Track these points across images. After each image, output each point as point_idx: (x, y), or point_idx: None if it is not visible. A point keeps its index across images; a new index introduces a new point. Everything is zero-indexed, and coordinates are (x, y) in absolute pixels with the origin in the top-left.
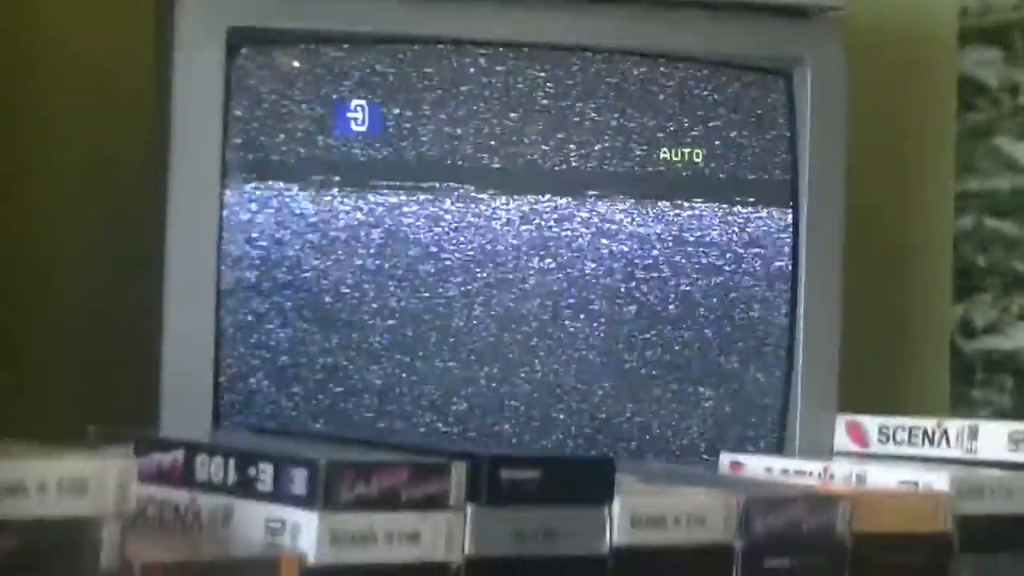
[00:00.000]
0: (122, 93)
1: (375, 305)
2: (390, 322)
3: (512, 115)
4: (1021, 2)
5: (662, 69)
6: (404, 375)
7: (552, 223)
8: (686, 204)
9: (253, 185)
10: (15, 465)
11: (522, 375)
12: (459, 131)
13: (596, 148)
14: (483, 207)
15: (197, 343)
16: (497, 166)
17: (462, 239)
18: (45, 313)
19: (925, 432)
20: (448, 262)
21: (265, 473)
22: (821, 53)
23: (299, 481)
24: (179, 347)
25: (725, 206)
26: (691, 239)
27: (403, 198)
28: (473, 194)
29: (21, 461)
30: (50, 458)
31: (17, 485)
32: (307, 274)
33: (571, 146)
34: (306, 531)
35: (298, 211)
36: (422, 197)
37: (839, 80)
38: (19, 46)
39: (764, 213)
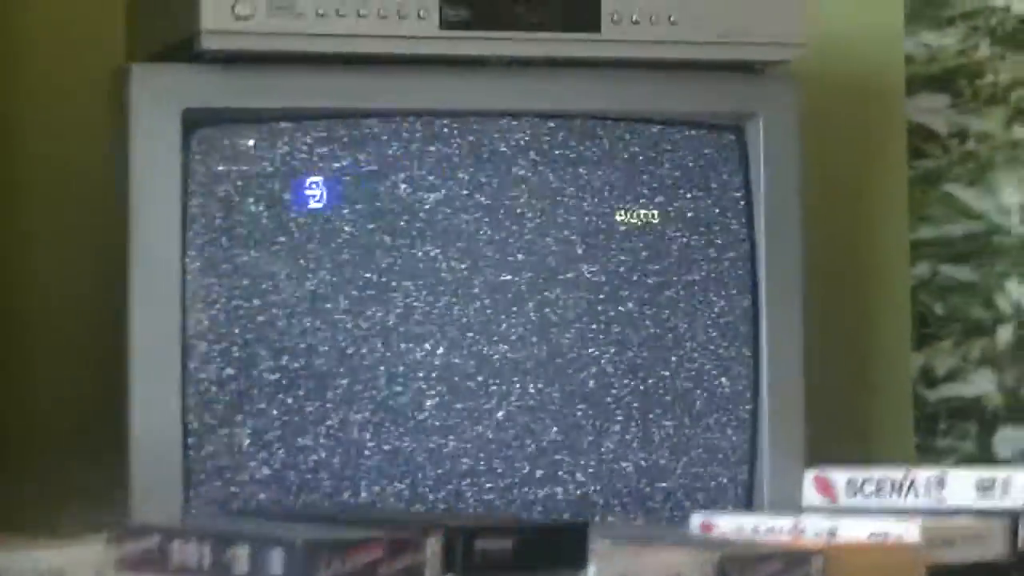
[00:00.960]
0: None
1: (342, 372)
2: (361, 389)
3: (467, 180)
4: (965, 48)
5: (614, 130)
6: (375, 437)
7: (512, 291)
8: (646, 266)
9: (214, 260)
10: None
11: (494, 436)
12: (416, 198)
13: (553, 212)
14: (443, 273)
15: (165, 425)
16: (454, 231)
17: (427, 299)
18: (21, 401)
19: (892, 483)
20: (414, 322)
21: (241, 556)
22: (773, 107)
23: (276, 562)
24: (147, 429)
25: (683, 266)
26: (655, 295)
27: (359, 271)
28: (434, 257)
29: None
30: (25, 549)
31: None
32: (274, 343)
33: (527, 210)
34: None
35: (261, 283)
36: (382, 265)
37: (791, 133)
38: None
39: (722, 271)
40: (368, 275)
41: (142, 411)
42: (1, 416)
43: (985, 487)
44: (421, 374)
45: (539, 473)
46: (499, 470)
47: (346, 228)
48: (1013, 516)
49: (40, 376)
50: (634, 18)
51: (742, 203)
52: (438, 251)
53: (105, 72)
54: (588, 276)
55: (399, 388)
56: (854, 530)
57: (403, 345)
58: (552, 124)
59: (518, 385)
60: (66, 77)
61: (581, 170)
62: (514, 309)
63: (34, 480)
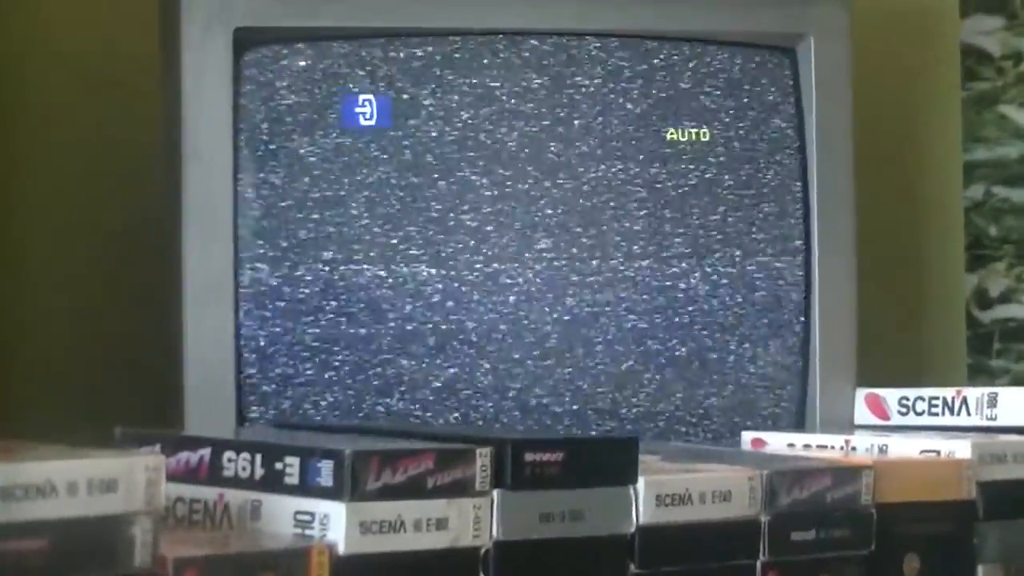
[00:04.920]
0: (125, 93)
1: (397, 298)
2: (412, 315)
3: (520, 102)
4: None
5: (666, 50)
6: (427, 367)
7: (564, 210)
8: (697, 187)
9: (266, 183)
10: (44, 466)
11: (544, 361)
12: (468, 121)
13: (605, 131)
14: (494, 196)
15: (218, 343)
16: (507, 154)
17: (477, 227)
18: (68, 322)
19: (945, 401)
20: (464, 251)
21: (292, 467)
22: (825, 28)
23: (326, 473)
24: (200, 347)
25: (735, 186)
26: (704, 220)
27: (414, 193)
28: (483, 184)
29: (49, 461)
30: (78, 458)
31: (46, 486)
32: (325, 269)
33: (579, 130)
34: (335, 522)
35: (313, 207)
36: (433, 191)
37: (843, 55)
38: (20, 47)
39: (774, 191)
40: (417, 195)
41: (195, 334)
42: (51, 337)
43: None
44: (475, 296)
45: (590, 392)
46: (548, 390)
47: (397, 148)
48: None
49: (85, 298)
50: None
51: (794, 123)
52: (489, 171)
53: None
54: (639, 194)
55: (447, 311)
56: (905, 447)
57: (450, 266)
58: (603, 43)
59: (571, 304)
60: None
61: (631, 89)
62: (566, 228)
63: (85, 400)
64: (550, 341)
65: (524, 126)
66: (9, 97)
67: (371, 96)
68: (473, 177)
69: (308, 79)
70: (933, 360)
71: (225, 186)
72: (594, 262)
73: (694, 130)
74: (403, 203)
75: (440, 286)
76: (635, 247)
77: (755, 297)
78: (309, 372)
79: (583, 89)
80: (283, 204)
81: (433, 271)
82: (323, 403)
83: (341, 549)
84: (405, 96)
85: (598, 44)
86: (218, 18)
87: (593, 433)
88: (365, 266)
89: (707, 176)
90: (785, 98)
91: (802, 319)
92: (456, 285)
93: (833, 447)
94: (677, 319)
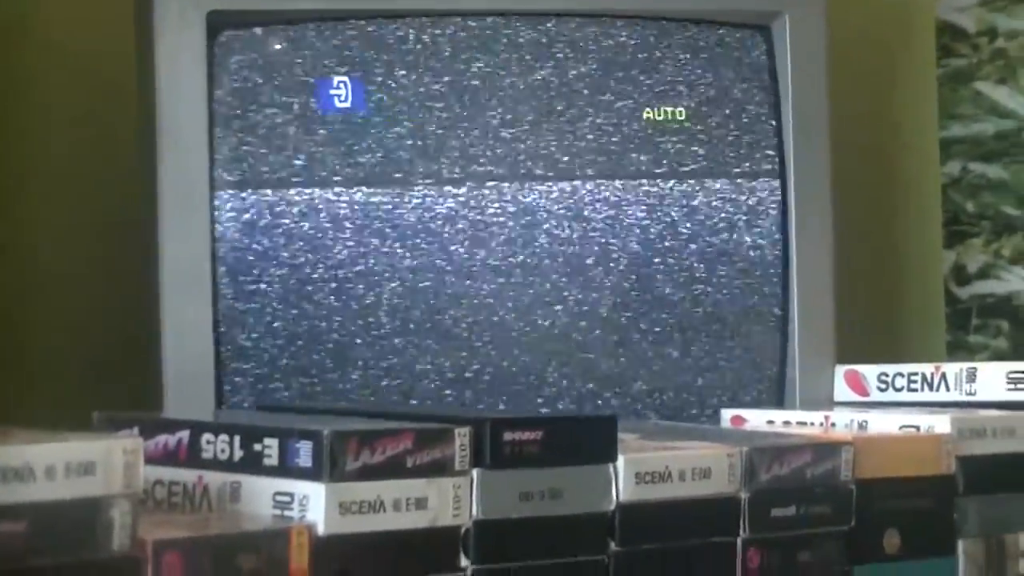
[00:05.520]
0: (110, 87)
1: (371, 282)
2: (386, 297)
3: (495, 83)
4: None
5: (641, 29)
6: (403, 348)
7: (543, 192)
8: (674, 164)
9: (242, 166)
10: (22, 449)
11: (521, 338)
12: (444, 103)
13: (580, 111)
14: (471, 178)
15: (196, 328)
16: (483, 135)
17: (454, 211)
18: (46, 307)
19: (924, 377)
20: (440, 232)
21: (271, 448)
22: (800, 6)
23: (305, 453)
24: (179, 332)
25: (711, 165)
26: (681, 200)
27: (391, 174)
28: (459, 166)
29: (27, 445)
30: (56, 441)
31: (24, 469)
32: (302, 253)
33: (555, 111)
34: (314, 502)
35: (289, 191)
36: (410, 175)
37: (818, 33)
38: (3, 40)
39: (750, 169)
40: (394, 176)
41: (174, 319)
42: (28, 321)
43: (1016, 380)
44: (460, 280)
45: (568, 371)
46: (529, 369)
47: (372, 131)
48: None
49: (64, 283)
50: None
51: (770, 101)
52: (465, 153)
53: None
54: (616, 173)
55: (428, 294)
56: (884, 423)
57: (429, 246)
58: (577, 22)
59: (549, 286)
60: None
61: (607, 69)
62: (544, 208)
63: (62, 386)
64: (530, 322)
65: (499, 107)
66: None
67: (346, 79)
68: (449, 159)
69: (283, 62)
70: (912, 336)
71: (201, 169)
72: (573, 243)
73: (670, 109)
74: (380, 187)
75: (419, 271)
76: (613, 226)
77: (733, 275)
78: (288, 355)
79: (558, 69)
80: (260, 188)
81: (411, 256)
82: (302, 386)
83: (321, 530)
84: (380, 79)
85: (572, 24)
86: (192, 1)
87: (572, 411)
88: (344, 252)
89: (683, 155)
90: (760, 76)
91: (780, 296)
92: (435, 270)
93: (813, 424)
94: (656, 298)
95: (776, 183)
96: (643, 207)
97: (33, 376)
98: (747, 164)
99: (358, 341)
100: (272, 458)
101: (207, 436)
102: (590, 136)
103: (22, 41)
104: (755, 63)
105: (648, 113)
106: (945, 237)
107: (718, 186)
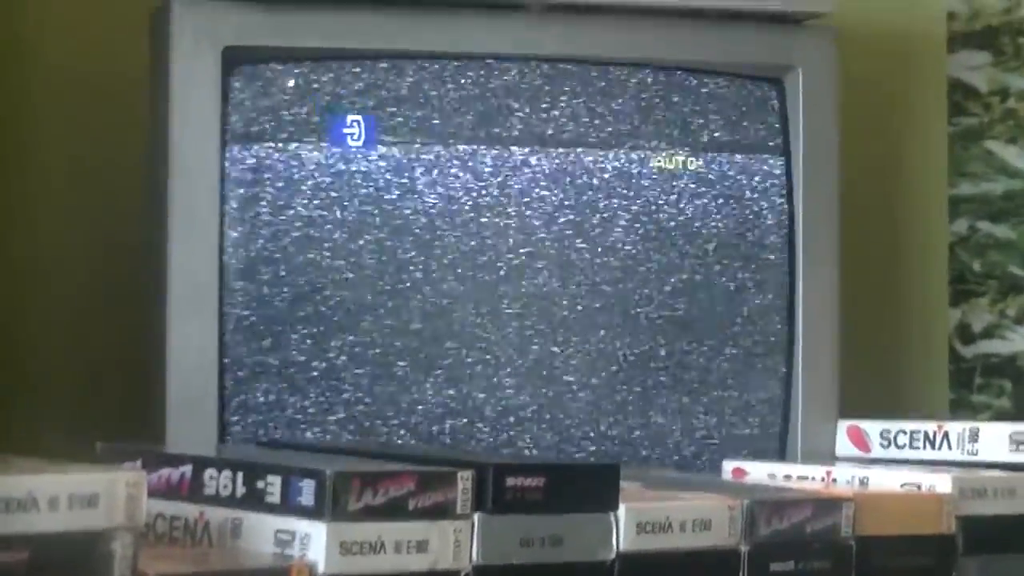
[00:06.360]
0: (116, 106)
1: (385, 316)
2: (398, 333)
3: (507, 125)
4: (1010, 6)
5: (654, 78)
6: (408, 386)
7: (551, 231)
8: (685, 212)
9: (253, 200)
10: (25, 479)
11: (525, 385)
12: (455, 142)
13: (591, 158)
14: (479, 216)
15: (201, 358)
16: (492, 175)
17: (464, 244)
18: (48, 334)
19: (926, 435)
20: (451, 268)
21: (273, 485)
22: (812, 59)
23: (307, 492)
24: (183, 362)
25: (721, 215)
26: (689, 247)
27: (401, 212)
28: (469, 203)
29: (31, 476)
30: (60, 472)
31: (27, 499)
32: (311, 286)
33: (566, 156)
34: (315, 541)
35: (299, 226)
36: (420, 211)
37: (830, 87)
38: (12, 60)
39: (759, 221)
40: (405, 212)
41: (178, 349)
42: (30, 348)
43: (1019, 441)
44: (457, 314)
45: (570, 420)
46: (530, 414)
47: (383, 167)
48: None
49: (68, 310)
50: None
51: (780, 156)
52: (474, 191)
53: (147, 10)
54: (625, 217)
55: (436, 327)
56: (886, 480)
57: (442, 282)
58: (591, 71)
59: (557, 325)
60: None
61: (619, 117)
62: (551, 249)
63: (65, 414)
64: (536, 363)
65: (511, 149)
66: (2, 109)
67: (359, 116)
68: (459, 196)
69: (296, 99)
70: (915, 393)
71: (212, 203)
72: (580, 283)
73: (681, 158)
74: (390, 222)
75: (427, 304)
76: (620, 271)
77: (738, 328)
78: (293, 390)
79: (570, 115)
80: (269, 221)
81: (420, 291)
82: (307, 422)
83: (321, 569)
84: (393, 116)
85: (586, 70)
86: (207, 37)
87: (574, 459)
88: (352, 284)
89: (693, 204)
90: (772, 128)
91: (785, 350)
92: (444, 302)
93: (814, 478)
94: (660, 349)
95: (784, 240)
96: (652, 252)
97: (31, 396)
98: (756, 215)
99: (367, 376)
100: (274, 496)
101: (210, 472)
102: (600, 181)
103: (24, 59)
104: (767, 115)
105: (659, 161)
106: (951, 295)
107: (726, 241)
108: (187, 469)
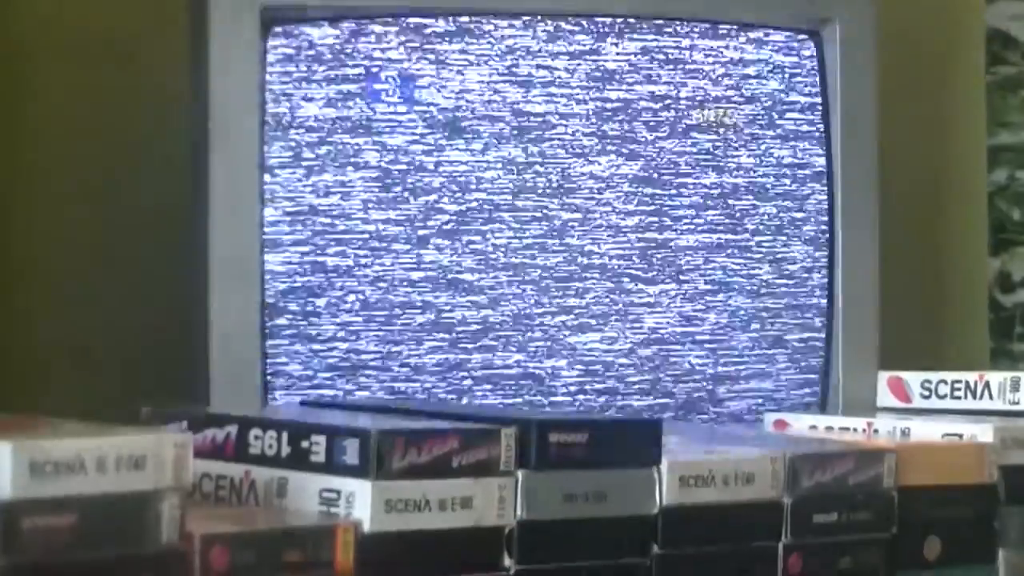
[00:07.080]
0: (154, 74)
1: (422, 281)
2: (436, 297)
3: (544, 81)
4: None
5: (692, 33)
6: (450, 348)
7: (587, 189)
8: (721, 171)
9: (293, 161)
10: (73, 442)
11: (570, 340)
12: (492, 99)
13: (628, 113)
14: (516, 175)
15: (244, 322)
16: (529, 132)
17: (499, 204)
18: (96, 302)
19: (967, 385)
20: (487, 231)
21: (318, 445)
22: (850, 12)
23: (352, 451)
24: (226, 326)
25: (760, 171)
26: (729, 204)
27: (438, 171)
28: (506, 162)
29: (79, 438)
30: (107, 435)
31: (75, 462)
32: (351, 250)
33: (602, 112)
34: (360, 500)
35: (337, 184)
36: (456, 159)
37: (868, 39)
38: (46, 29)
39: (798, 175)
40: (443, 173)
41: (221, 314)
42: (76, 318)
43: None
44: (501, 276)
45: (614, 373)
46: (573, 373)
47: (421, 124)
48: None
49: (111, 277)
50: None
51: (819, 107)
52: (511, 149)
53: None
54: (663, 172)
55: (478, 288)
56: (927, 431)
57: (481, 243)
58: (628, 24)
59: (594, 285)
60: None
61: (656, 70)
62: (593, 201)
63: (110, 378)
64: (575, 319)
65: (547, 105)
66: (40, 77)
67: (395, 74)
68: (497, 154)
69: (334, 57)
70: (955, 343)
71: (251, 165)
72: (619, 243)
73: (719, 113)
74: (432, 183)
75: (465, 269)
76: (661, 231)
77: (780, 281)
78: (334, 352)
79: (607, 71)
80: (310, 182)
81: (456, 254)
82: (350, 382)
83: (366, 527)
84: (429, 73)
85: (623, 24)
86: None
87: (617, 414)
88: (391, 249)
89: (731, 160)
90: (810, 82)
91: (825, 302)
92: (481, 268)
93: (855, 430)
94: (703, 303)
95: (823, 194)
96: (691, 209)
97: (73, 362)
98: (795, 170)
99: (405, 340)
100: (319, 455)
101: (255, 432)
102: (638, 138)
103: (51, 24)
104: (805, 69)
105: (696, 117)
106: (991, 245)
107: (765, 192)
108: (232, 429)
